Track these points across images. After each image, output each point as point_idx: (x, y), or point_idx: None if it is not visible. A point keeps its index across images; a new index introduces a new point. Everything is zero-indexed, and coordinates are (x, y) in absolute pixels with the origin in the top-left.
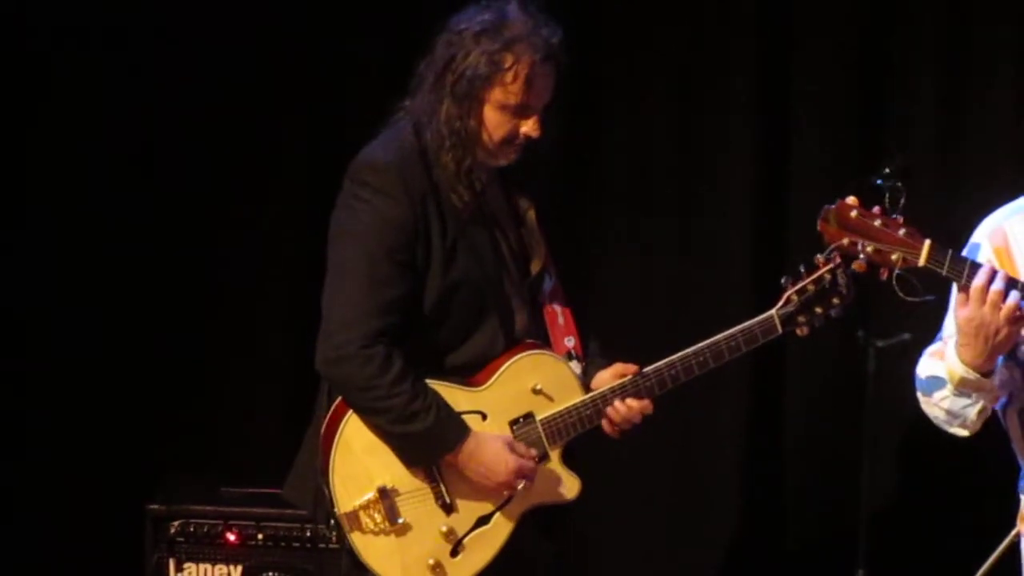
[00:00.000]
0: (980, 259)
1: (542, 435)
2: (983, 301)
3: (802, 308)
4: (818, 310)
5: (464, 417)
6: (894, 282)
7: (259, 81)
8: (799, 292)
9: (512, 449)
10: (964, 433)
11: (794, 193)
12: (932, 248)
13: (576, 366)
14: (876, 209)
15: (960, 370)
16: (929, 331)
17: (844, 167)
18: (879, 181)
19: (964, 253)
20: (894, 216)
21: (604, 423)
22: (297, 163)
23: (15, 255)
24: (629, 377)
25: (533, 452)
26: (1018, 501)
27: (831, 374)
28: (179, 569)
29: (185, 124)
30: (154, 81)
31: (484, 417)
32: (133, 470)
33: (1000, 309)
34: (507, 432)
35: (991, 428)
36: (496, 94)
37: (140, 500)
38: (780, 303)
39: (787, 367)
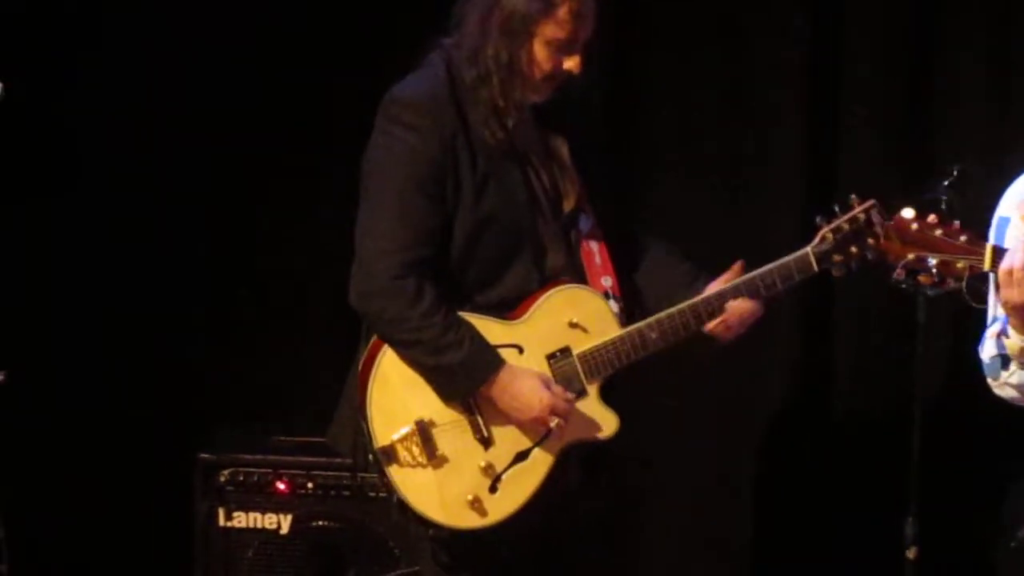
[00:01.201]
0: (1011, 232)
1: (579, 369)
2: (1011, 283)
3: (837, 247)
4: (853, 250)
5: (500, 350)
6: (964, 291)
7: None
8: (834, 231)
9: (547, 385)
10: None
11: (843, 153)
12: (994, 251)
13: (614, 305)
14: (932, 218)
15: (1018, 340)
16: (980, 279)
17: (895, 119)
18: (936, 191)
19: (993, 227)
20: (952, 224)
21: (720, 329)
22: (350, 114)
23: (63, 211)
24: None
25: (570, 395)
26: None
27: (880, 323)
28: (229, 518)
29: (246, 89)
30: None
31: (520, 351)
32: (185, 419)
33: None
34: (544, 365)
35: None
36: (547, 29)
37: (191, 449)
38: (815, 240)
39: (835, 316)
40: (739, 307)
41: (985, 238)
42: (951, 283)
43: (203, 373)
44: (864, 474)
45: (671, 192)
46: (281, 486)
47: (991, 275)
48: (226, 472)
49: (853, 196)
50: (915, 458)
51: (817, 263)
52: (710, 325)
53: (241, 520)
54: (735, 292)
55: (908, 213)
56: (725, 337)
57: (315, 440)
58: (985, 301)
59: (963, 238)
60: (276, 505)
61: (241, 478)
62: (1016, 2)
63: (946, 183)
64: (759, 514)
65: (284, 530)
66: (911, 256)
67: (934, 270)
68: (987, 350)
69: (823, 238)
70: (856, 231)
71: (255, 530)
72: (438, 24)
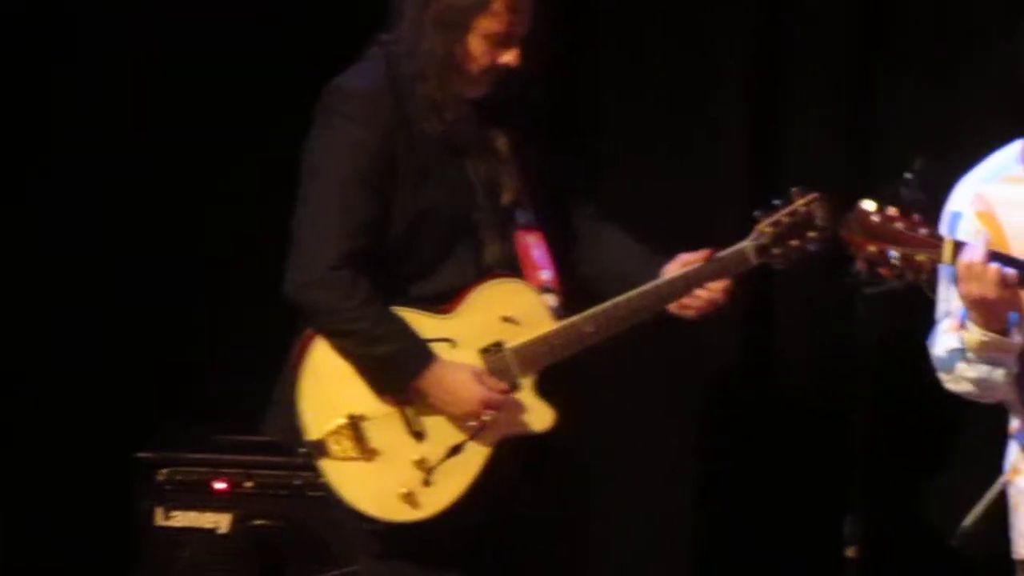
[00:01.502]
0: (964, 225)
1: (513, 363)
2: (970, 277)
3: (776, 240)
4: (793, 243)
5: (432, 345)
6: (925, 285)
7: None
8: (773, 224)
9: (479, 379)
10: (993, 400)
11: (790, 129)
12: (954, 245)
13: (551, 299)
14: (892, 210)
15: (978, 334)
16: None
17: (839, 100)
18: (900, 183)
19: (944, 222)
20: (912, 216)
21: (687, 312)
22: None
23: (9, 207)
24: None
25: (503, 385)
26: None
27: (820, 320)
28: (167, 517)
29: (187, 73)
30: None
31: (453, 345)
32: (123, 417)
33: (985, 279)
34: (477, 359)
35: None
36: (483, 22)
37: (129, 447)
38: (754, 234)
39: (775, 313)
40: (712, 294)
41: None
42: (909, 276)
43: (142, 371)
44: (803, 473)
45: (615, 186)
46: (220, 485)
47: (945, 269)
48: (164, 471)
49: (794, 189)
50: (855, 456)
51: (756, 256)
52: (672, 308)
53: (179, 519)
54: (670, 287)
55: (869, 205)
56: (692, 317)
57: (254, 439)
58: None
59: (923, 231)
60: (215, 504)
61: (179, 477)
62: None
63: (907, 175)
64: (699, 513)
65: (223, 529)
66: (872, 248)
67: (895, 263)
68: (942, 344)
69: (761, 232)
70: (796, 224)
71: (194, 529)
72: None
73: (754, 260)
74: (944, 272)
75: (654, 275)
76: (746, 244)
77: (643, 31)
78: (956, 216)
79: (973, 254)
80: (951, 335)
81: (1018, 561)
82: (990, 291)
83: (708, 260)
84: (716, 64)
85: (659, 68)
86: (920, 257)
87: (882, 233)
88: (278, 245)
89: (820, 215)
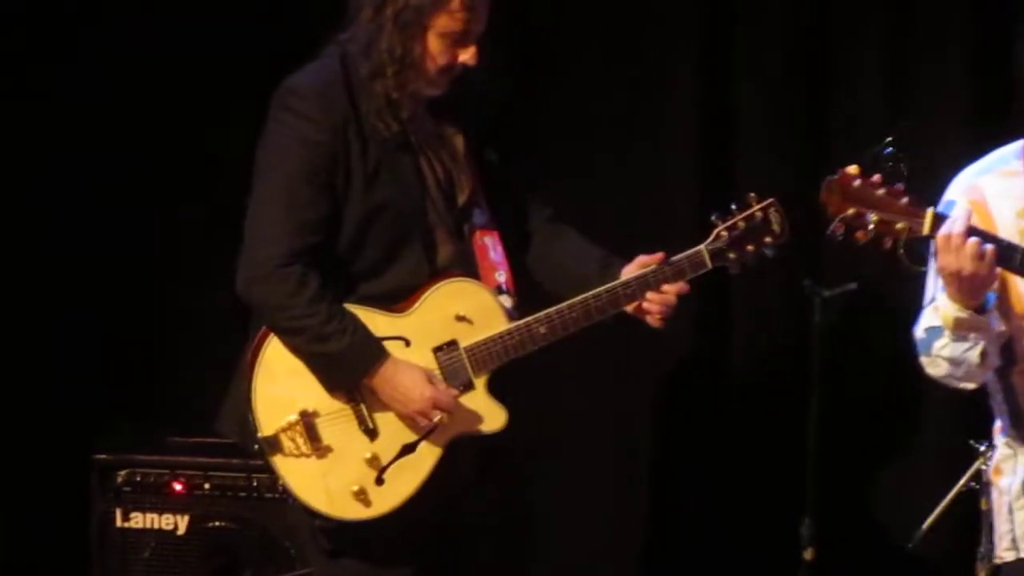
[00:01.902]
0: (954, 213)
1: (466, 363)
2: (948, 249)
3: (732, 244)
4: (749, 247)
5: (386, 343)
6: (901, 251)
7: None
8: (729, 228)
9: (430, 379)
10: (970, 386)
11: (742, 126)
12: (935, 217)
13: (506, 300)
14: (876, 177)
15: (953, 310)
16: (875, 281)
17: (790, 98)
18: (880, 151)
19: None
20: (895, 185)
21: (648, 318)
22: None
23: None
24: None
25: (453, 391)
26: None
27: (777, 323)
28: (125, 519)
29: (177, 78)
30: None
31: (407, 343)
32: (79, 419)
33: (963, 252)
34: (430, 358)
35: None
36: (440, 21)
37: (86, 449)
38: (710, 238)
39: (732, 316)
40: (664, 296)
41: (929, 203)
42: (887, 243)
43: (98, 372)
44: (760, 475)
45: (568, 186)
46: (178, 487)
47: (931, 255)
48: (122, 472)
49: (752, 194)
50: (811, 459)
51: (711, 260)
52: (629, 309)
53: (138, 520)
54: (624, 288)
55: (852, 169)
56: (655, 324)
57: (212, 441)
58: (924, 263)
59: (904, 200)
60: (173, 506)
61: (138, 479)
62: (908, 17)
63: (890, 139)
64: (654, 515)
65: (181, 531)
66: (850, 211)
67: (871, 227)
68: (921, 323)
69: (718, 236)
70: (752, 229)
71: (152, 531)
72: None
73: (710, 263)
74: (932, 259)
75: (612, 277)
76: (702, 247)
77: (596, 30)
78: (949, 204)
79: (952, 226)
80: (931, 314)
81: (998, 565)
82: (967, 264)
83: (664, 263)
84: (668, 64)
85: (612, 69)
86: (899, 225)
87: (862, 198)
88: (233, 244)
89: (776, 220)
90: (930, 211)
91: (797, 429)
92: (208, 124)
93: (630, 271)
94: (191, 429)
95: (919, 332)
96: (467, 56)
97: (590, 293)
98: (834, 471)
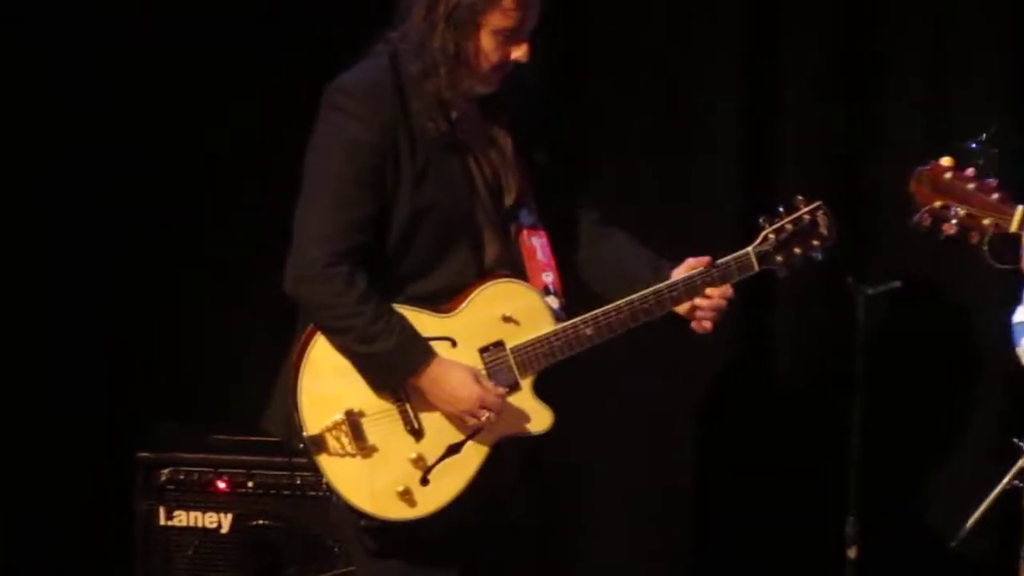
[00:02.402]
0: None
1: (512, 363)
2: None
3: (780, 247)
4: (797, 250)
5: (432, 343)
6: (984, 247)
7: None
8: (776, 231)
9: (478, 380)
10: None
11: (784, 135)
12: None
13: (553, 301)
14: (970, 171)
15: None
16: (919, 280)
17: (832, 102)
18: (973, 145)
19: None
20: (987, 180)
21: (695, 322)
22: (288, 123)
23: (11, 208)
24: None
25: (501, 390)
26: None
27: (821, 322)
28: (169, 517)
29: (176, 78)
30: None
31: (453, 344)
32: (124, 417)
33: None
34: (477, 359)
35: (983, 382)
36: (494, 18)
37: (131, 447)
38: (757, 241)
39: (776, 314)
40: (713, 300)
41: (1018, 201)
42: (973, 237)
43: (142, 371)
44: (804, 473)
45: (608, 191)
46: (221, 485)
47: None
48: (166, 471)
49: (799, 197)
50: (855, 457)
51: (759, 263)
52: (681, 311)
53: (181, 519)
54: (670, 290)
55: (946, 161)
56: (702, 328)
57: (255, 439)
58: (1007, 263)
59: (995, 196)
60: (216, 504)
61: (181, 477)
62: (950, 22)
63: (983, 137)
64: (697, 515)
65: (224, 529)
66: (937, 203)
67: (955, 221)
68: (1019, 314)
69: (765, 238)
70: (800, 232)
71: (195, 529)
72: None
73: (757, 266)
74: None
75: (662, 279)
76: (749, 250)
77: (640, 33)
78: None
79: None
80: None
81: None
82: None
83: (711, 265)
84: (713, 67)
85: (656, 72)
86: (987, 221)
87: (952, 190)
88: (279, 245)
89: (824, 222)
90: (1020, 208)
91: (840, 427)
92: (208, 124)
93: (678, 273)
94: (233, 427)
95: (1016, 320)
96: (520, 53)
97: (636, 295)
98: (878, 469)
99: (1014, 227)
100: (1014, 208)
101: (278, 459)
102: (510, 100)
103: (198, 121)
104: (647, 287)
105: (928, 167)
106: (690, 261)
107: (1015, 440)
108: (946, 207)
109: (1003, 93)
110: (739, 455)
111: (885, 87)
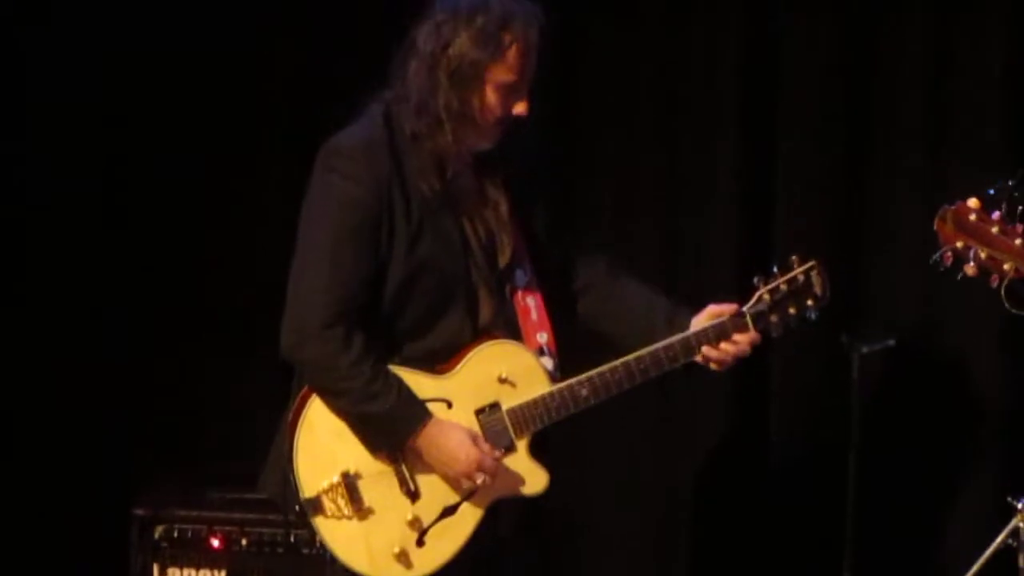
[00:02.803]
0: None
1: (508, 425)
2: None
3: (774, 307)
4: (791, 310)
5: (429, 404)
6: (1002, 292)
7: (251, 86)
8: (771, 291)
9: (474, 441)
10: None
11: (780, 195)
12: None
13: (548, 361)
14: (996, 215)
15: None
16: (914, 337)
17: (830, 164)
18: (992, 192)
19: None
20: (1012, 225)
21: (713, 364)
22: (286, 166)
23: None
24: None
25: (497, 453)
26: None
27: (816, 380)
28: (163, 573)
29: (176, 119)
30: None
31: (449, 405)
32: (118, 474)
33: None
34: (473, 420)
35: (978, 441)
36: (498, 73)
37: (125, 504)
38: (752, 301)
39: (771, 372)
40: (738, 347)
41: None
42: (994, 280)
43: (138, 427)
44: (798, 532)
45: (605, 241)
46: (215, 542)
47: None
48: (161, 527)
49: (794, 256)
50: (850, 516)
51: (753, 323)
52: (699, 358)
53: (176, 575)
54: (667, 352)
55: (972, 202)
56: (719, 369)
57: (249, 496)
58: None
59: (1018, 241)
60: (210, 561)
61: (175, 534)
62: (951, 62)
63: (1012, 183)
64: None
65: None
66: (960, 244)
67: (973, 263)
68: None
69: (759, 298)
70: (794, 291)
71: None
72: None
73: (752, 327)
74: None
75: (676, 330)
76: (744, 310)
77: (635, 85)
78: None
79: None
80: None
81: None
82: None
83: (709, 326)
84: (710, 121)
85: (654, 125)
86: (1007, 265)
87: (976, 232)
88: (278, 302)
89: (818, 282)
90: None
91: (835, 487)
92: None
93: (701, 320)
94: (228, 484)
95: None
96: (521, 108)
97: (632, 356)
98: (873, 528)
99: None
100: None
101: (272, 516)
102: (505, 156)
103: (200, 174)
104: (665, 337)
105: (954, 207)
106: (713, 308)
107: (1009, 499)
108: (967, 247)
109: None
110: (735, 507)
111: (883, 141)
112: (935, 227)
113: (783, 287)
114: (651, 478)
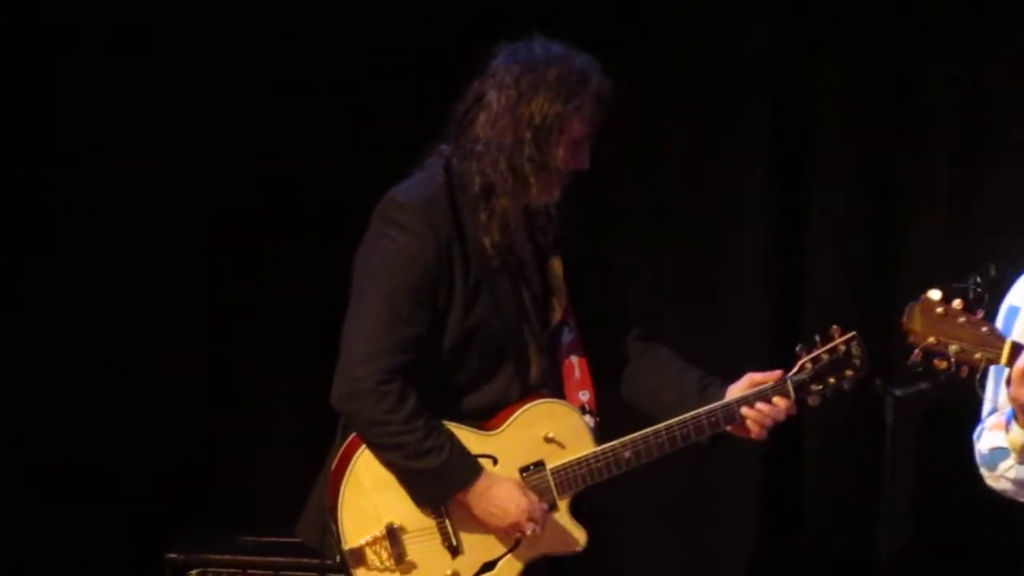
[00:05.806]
0: (1019, 322)
1: (552, 484)
2: (1022, 383)
3: (815, 377)
4: (831, 380)
5: None
6: (976, 381)
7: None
8: (813, 361)
9: (524, 492)
10: None
11: (809, 256)
12: (1012, 347)
13: (589, 420)
14: (958, 303)
15: (1021, 437)
16: (948, 381)
17: (858, 208)
18: (961, 286)
19: (1001, 315)
20: (975, 313)
21: (752, 428)
22: (316, 207)
23: (32, 293)
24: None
25: (544, 505)
26: None
27: (849, 424)
28: None
29: (200, 158)
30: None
31: (495, 462)
32: (152, 518)
33: None
34: (517, 478)
35: None
36: (576, 126)
37: (159, 549)
38: (794, 369)
39: (804, 417)
40: (776, 410)
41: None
42: (964, 371)
43: (171, 471)
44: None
45: (634, 301)
46: None
47: (994, 367)
48: (194, 572)
49: (835, 327)
50: (883, 554)
51: (795, 392)
52: (729, 429)
53: None
54: (709, 417)
55: (935, 295)
56: (756, 436)
57: (283, 540)
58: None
59: (984, 329)
60: None
61: None
62: (979, 114)
63: (978, 279)
64: None
65: None
66: (931, 340)
67: (951, 358)
68: (986, 441)
69: (802, 367)
70: (835, 362)
71: None
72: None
73: (793, 394)
74: (995, 368)
75: (707, 400)
76: (787, 378)
77: (665, 142)
78: (1013, 311)
79: None
80: (996, 433)
81: None
82: None
83: (746, 395)
84: (738, 172)
85: (680, 179)
86: (978, 355)
87: (944, 327)
88: (312, 346)
89: (858, 353)
90: (1008, 342)
91: (868, 530)
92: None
93: (739, 389)
94: (261, 529)
95: (982, 448)
96: (584, 162)
97: (676, 419)
98: (908, 572)
99: (1004, 360)
100: (1003, 341)
101: (305, 560)
102: (558, 214)
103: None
104: (697, 407)
105: (919, 301)
106: (753, 376)
107: None
108: (941, 344)
109: None
110: (769, 561)
111: (912, 194)
112: (904, 326)
113: (825, 356)
114: (683, 523)
